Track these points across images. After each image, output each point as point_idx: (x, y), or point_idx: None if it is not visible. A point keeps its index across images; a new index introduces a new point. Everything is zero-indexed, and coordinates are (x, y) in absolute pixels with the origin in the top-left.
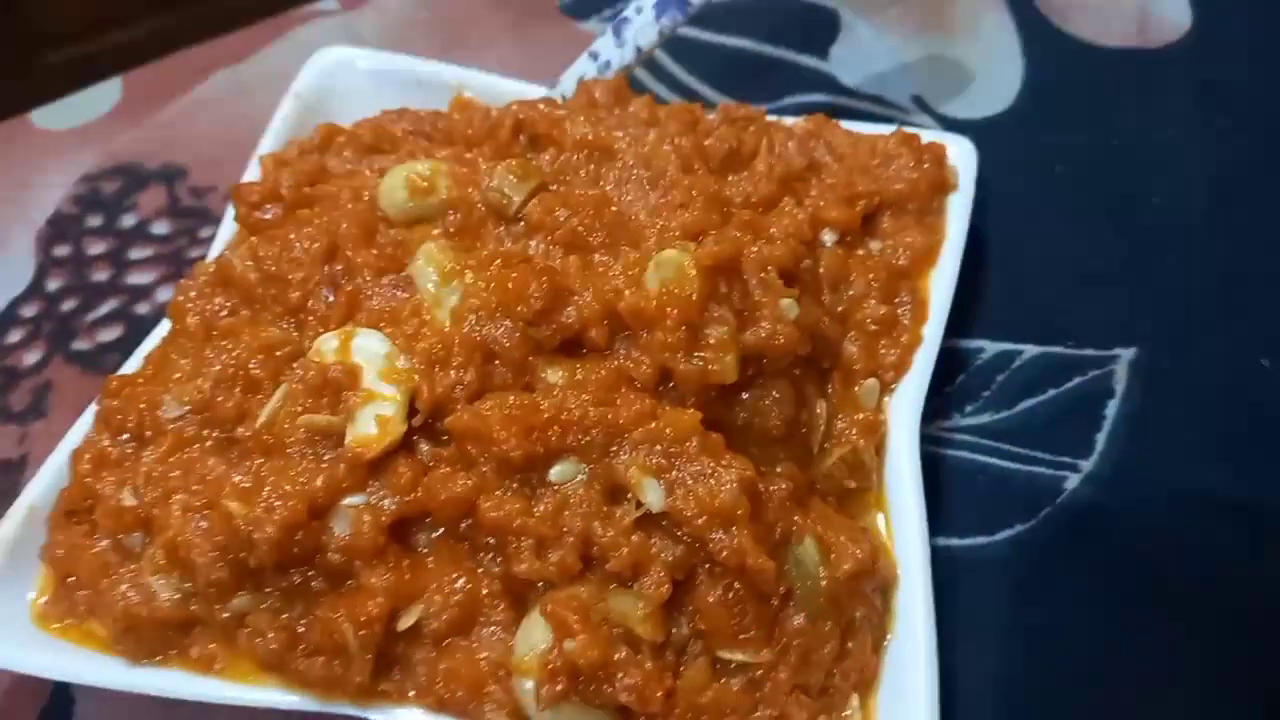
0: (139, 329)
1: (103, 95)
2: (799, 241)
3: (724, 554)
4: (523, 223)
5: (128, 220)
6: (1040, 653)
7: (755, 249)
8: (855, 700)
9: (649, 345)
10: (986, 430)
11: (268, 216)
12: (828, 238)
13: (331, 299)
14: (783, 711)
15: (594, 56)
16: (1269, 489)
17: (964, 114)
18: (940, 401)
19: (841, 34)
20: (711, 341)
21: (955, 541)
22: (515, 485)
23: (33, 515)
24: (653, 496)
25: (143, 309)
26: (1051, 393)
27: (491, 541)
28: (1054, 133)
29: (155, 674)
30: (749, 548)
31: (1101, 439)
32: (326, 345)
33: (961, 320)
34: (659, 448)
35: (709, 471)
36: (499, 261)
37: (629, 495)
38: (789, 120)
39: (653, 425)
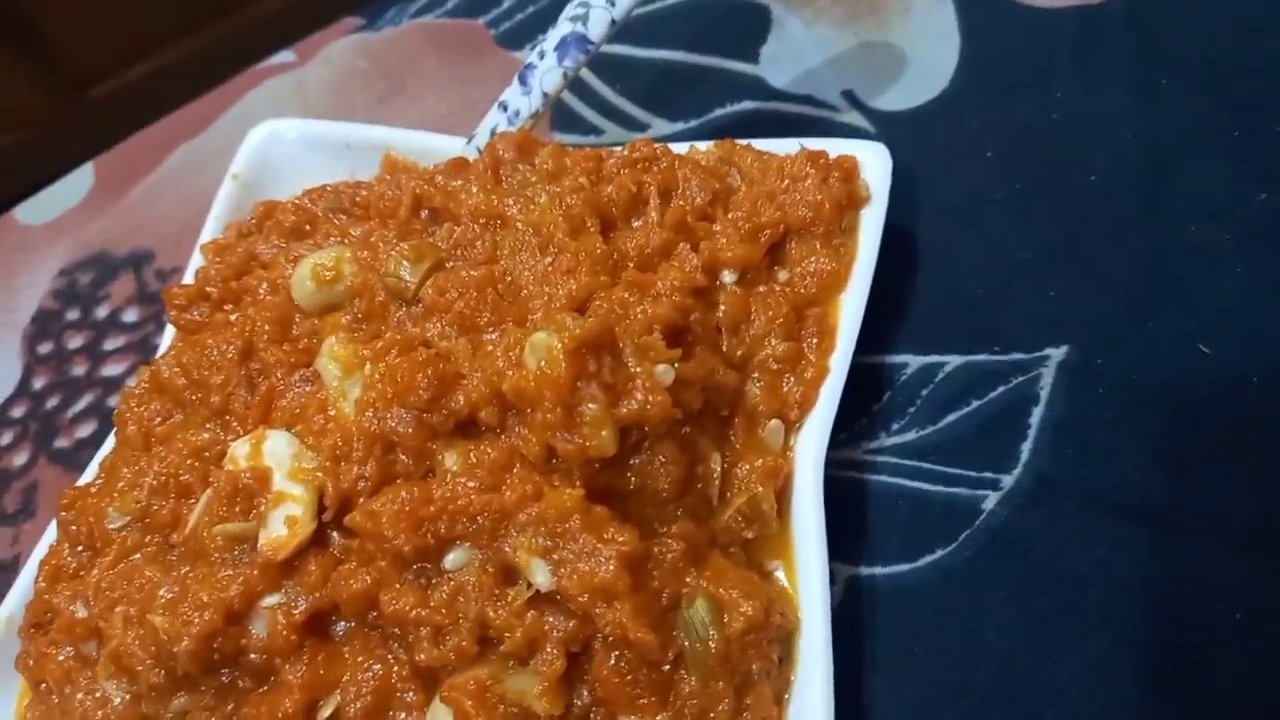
0: (110, 424)
1: (77, 183)
2: (687, 295)
3: (608, 628)
4: (421, 304)
5: (101, 311)
6: (961, 680)
7: (640, 309)
8: None
9: (533, 424)
10: (911, 449)
11: (196, 317)
12: (728, 277)
13: (248, 398)
14: None
15: (504, 107)
16: (1203, 491)
17: (896, 105)
18: (866, 422)
19: (772, 32)
20: (587, 418)
21: (879, 570)
22: (412, 576)
23: (10, 625)
24: (540, 577)
25: (113, 402)
26: (975, 404)
27: (396, 632)
28: (989, 113)
29: None
30: (629, 622)
31: (1026, 450)
32: (239, 451)
33: (885, 335)
34: (544, 528)
35: (590, 549)
36: (395, 351)
37: (521, 577)
38: (702, 146)
39: (536, 507)
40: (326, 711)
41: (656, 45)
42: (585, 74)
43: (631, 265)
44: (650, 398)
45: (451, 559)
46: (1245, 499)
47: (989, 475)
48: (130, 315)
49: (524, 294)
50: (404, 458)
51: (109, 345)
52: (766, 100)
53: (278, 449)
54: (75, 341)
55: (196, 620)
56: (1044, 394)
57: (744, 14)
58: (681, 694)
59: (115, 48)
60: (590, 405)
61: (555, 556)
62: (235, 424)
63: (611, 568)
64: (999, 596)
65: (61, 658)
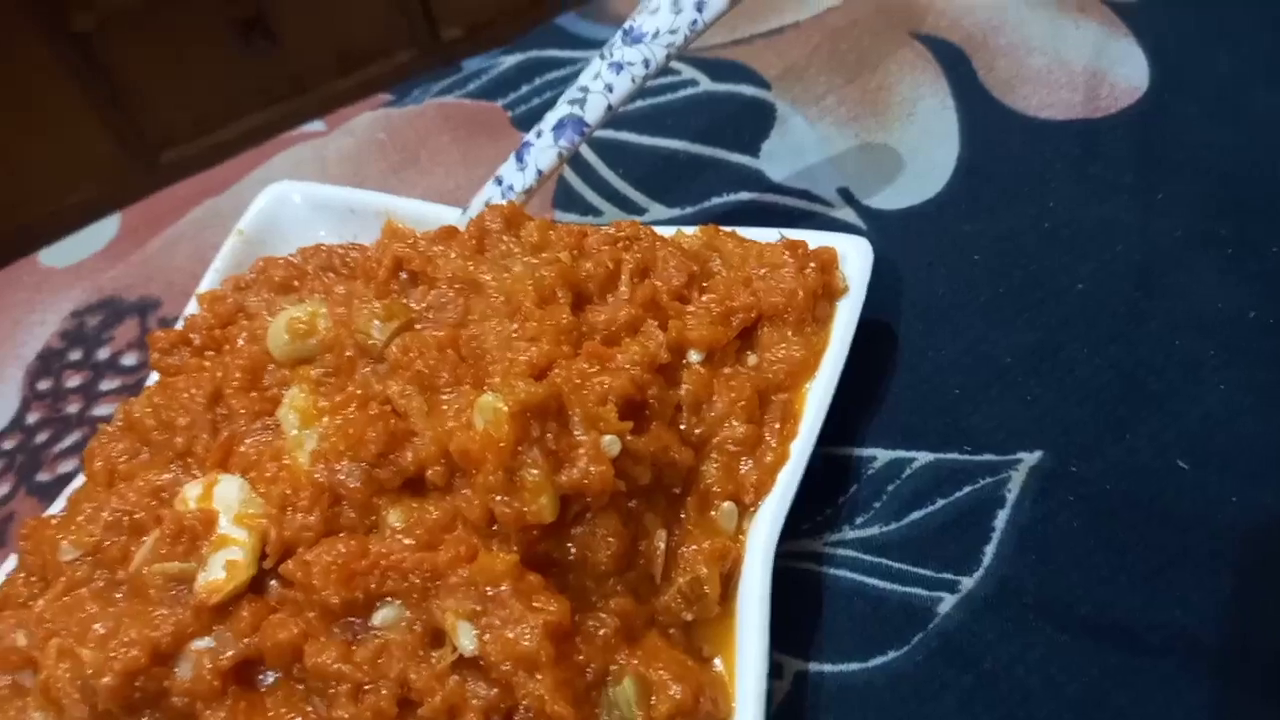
0: None
1: (102, 231)
2: (647, 370)
3: (526, 700)
4: (386, 362)
5: (103, 353)
6: None
7: (598, 381)
8: None
9: (475, 486)
10: (873, 545)
11: (176, 361)
12: (694, 357)
13: (210, 443)
14: None
15: (499, 181)
16: (1170, 608)
17: (889, 205)
18: (831, 513)
19: (775, 128)
20: (527, 484)
21: (828, 668)
22: (339, 630)
23: None
24: (466, 641)
25: None
26: (940, 503)
27: (319, 685)
28: (978, 219)
29: None
30: (548, 695)
31: (989, 553)
32: (190, 493)
33: (858, 426)
34: (474, 591)
35: (517, 616)
36: (353, 405)
37: (448, 639)
38: (689, 230)
39: (468, 569)
40: None
41: (662, 134)
42: (589, 155)
43: (597, 339)
44: (592, 467)
45: (380, 616)
46: (1217, 619)
47: (948, 576)
48: (129, 359)
49: (486, 359)
50: (350, 512)
51: (105, 386)
52: (763, 192)
53: (227, 493)
54: (73, 380)
55: (121, 656)
56: (1010, 497)
57: (751, 111)
58: None
59: (197, 115)
60: (531, 470)
61: (483, 621)
62: (195, 467)
63: (535, 636)
64: (947, 705)
65: (1, 684)
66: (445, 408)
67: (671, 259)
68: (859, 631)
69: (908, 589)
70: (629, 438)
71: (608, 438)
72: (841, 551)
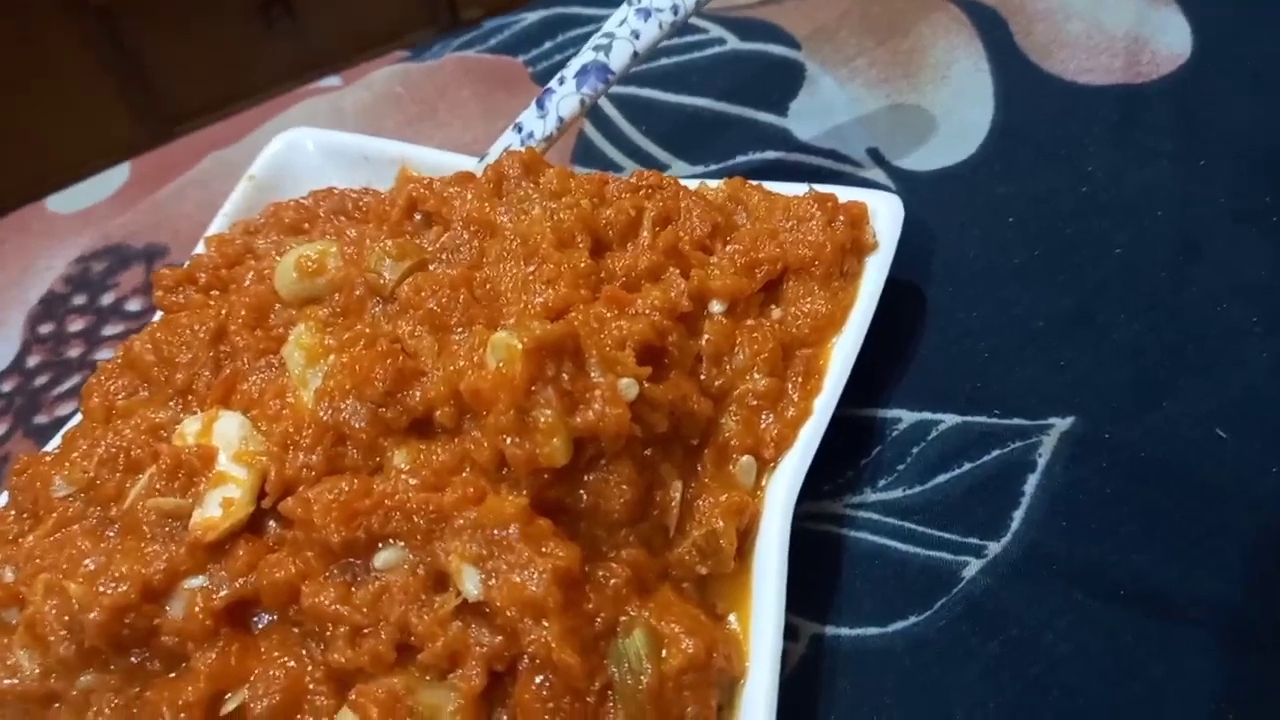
0: None
1: (110, 179)
2: (667, 316)
3: (532, 646)
4: (396, 302)
5: (107, 299)
6: None
7: (616, 325)
8: None
9: (485, 427)
10: (895, 507)
11: (181, 299)
12: (716, 307)
13: (212, 381)
14: None
15: (518, 128)
16: (1206, 579)
17: (920, 165)
18: (852, 475)
19: (803, 88)
20: (539, 425)
21: (845, 631)
22: (338, 572)
23: None
24: (470, 585)
25: None
26: (967, 466)
27: (316, 629)
28: (1013, 182)
29: None
30: (555, 642)
31: (1017, 518)
32: (189, 429)
33: (883, 387)
34: (480, 534)
35: (525, 561)
36: (361, 344)
37: (452, 584)
38: (712, 183)
39: (475, 511)
40: (230, 706)
41: (686, 92)
42: (610, 111)
43: (617, 284)
44: (608, 409)
45: (382, 558)
46: (1258, 592)
47: (974, 541)
48: (133, 304)
49: (500, 301)
50: (353, 452)
51: (107, 331)
52: (790, 151)
53: (228, 430)
54: (76, 325)
55: (110, 591)
56: (1042, 461)
57: (779, 70)
58: None
59: (215, 92)
60: (544, 411)
61: (489, 565)
62: (196, 405)
63: (543, 582)
64: (971, 673)
65: None
66: (456, 347)
67: (695, 208)
68: (879, 595)
69: (931, 553)
70: (647, 385)
71: (625, 380)
72: (862, 514)
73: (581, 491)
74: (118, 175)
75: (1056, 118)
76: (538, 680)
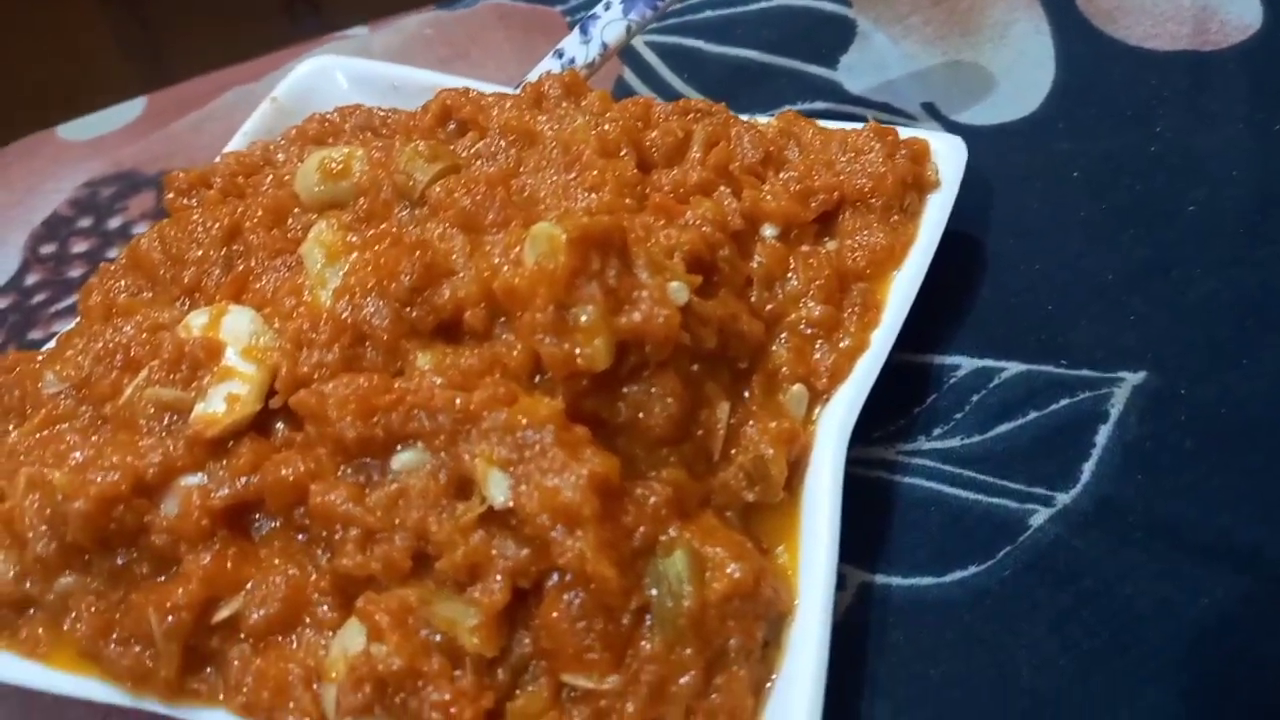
0: None
1: (126, 110)
2: (718, 229)
3: (564, 557)
4: (426, 206)
5: (114, 222)
6: (981, 712)
7: (665, 234)
8: None
9: (521, 327)
10: (953, 456)
11: (194, 203)
12: (768, 232)
13: (222, 279)
14: None
15: (559, 54)
16: None
17: (977, 121)
18: (906, 422)
19: (854, 43)
20: (581, 323)
21: (896, 580)
22: (352, 473)
23: None
24: (496, 491)
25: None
26: (1033, 415)
27: (324, 534)
28: (1077, 139)
29: None
30: (590, 553)
31: (1088, 470)
32: (195, 321)
33: (939, 334)
34: (511, 438)
35: (559, 466)
36: (386, 242)
37: (476, 491)
38: (763, 119)
39: (506, 412)
40: (224, 613)
41: (731, 43)
42: (652, 60)
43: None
44: (657, 310)
45: (400, 459)
46: None
47: (1041, 491)
48: (141, 228)
49: (539, 208)
50: (373, 352)
51: (112, 254)
52: (840, 102)
53: (237, 325)
54: (80, 246)
55: (99, 480)
56: (1114, 413)
57: (828, 25)
58: (640, 656)
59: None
60: (587, 308)
61: (518, 470)
62: (204, 304)
63: (578, 488)
64: (1039, 627)
65: None
66: (490, 248)
67: (746, 135)
68: (934, 543)
69: (994, 500)
70: (695, 298)
71: (675, 284)
72: (916, 461)
73: (620, 404)
74: (133, 108)
75: (1122, 80)
76: (567, 598)
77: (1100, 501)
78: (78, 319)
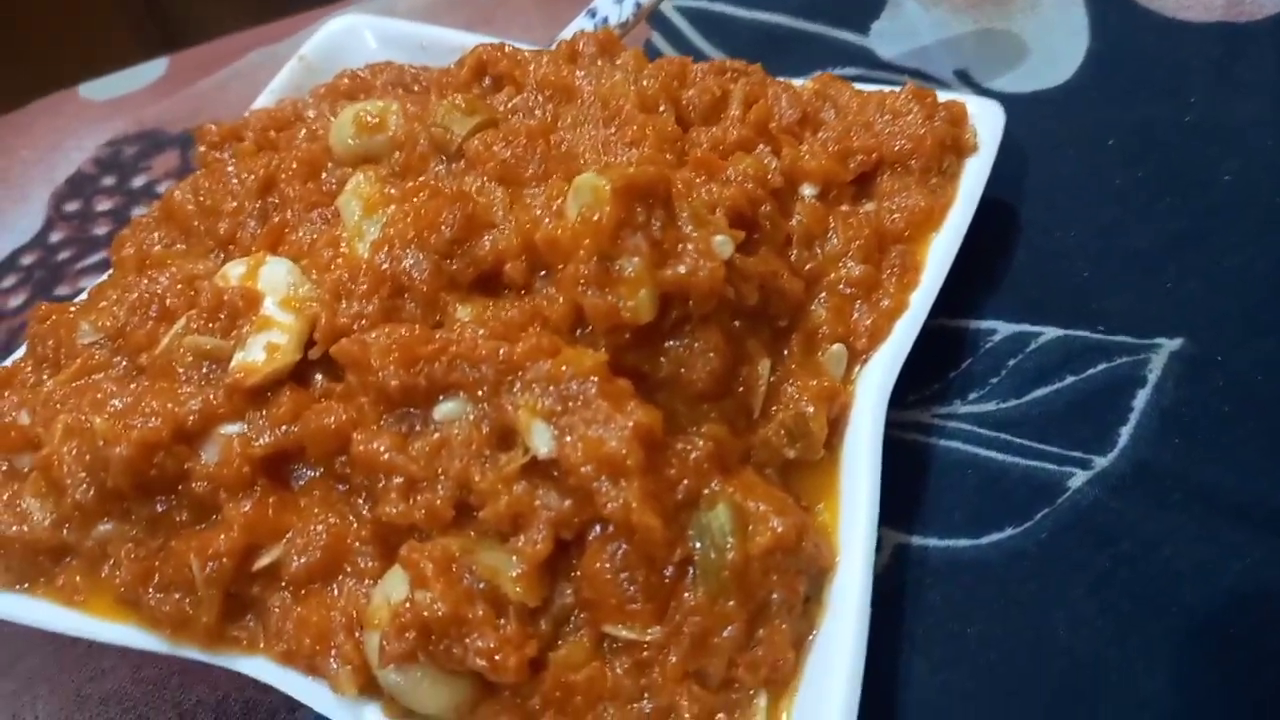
0: None
1: (148, 70)
2: (760, 185)
3: (609, 508)
4: (464, 159)
5: (139, 181)
6: (1020, 673)
7: (707, 189)
8: (763, 700)
9: (563, 279)
10: (989, 420)
11: (226, 156)
12: (807, 191)
13: (257, 230)
14: (671, 702)
15: (592, 14)
16: None
17: (1010, 88)
18: (941, 387)
19: (886, 10)
20: (625, 275)
21: (933, 541)
22: (394, 422)
23: None
24: (540, 441)
25: None
26: (1070, 379)
27: (365, 483)
28: (1111, 108)
29: (18, 601)
30: (636, 501)
31: (1126, 433)
32: (233, 271)
33: (975, 299)
34: (554, 388)
35: (604, 417)
36: (425, 194)
37: (519, 441)
38: (796, 81)
39: (550, 363)
40: (265, 560)
41: (760, 8)
42: (681, 24)
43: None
44: (702, 263)
45: (442, 409)
46: None
47: (1078, 454)
48: (165, 187)
49: (578, 163)
50: (411, 305)
51: (137, 212)
52: (872, 68)
53: (275, 275)
54: (104, 204)
55: (140, 426)
56: (1152, 378)
57: None
58: (683, 608)
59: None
60: (631, 259)
61: (562, 421)
62: (239, 255)
63: (623, 438)
64: (1076, 588)
65: None
66: (530, 200)
67: (783, 95)
68: (970, 505)
69: (1031, 463)
70: (737, 255)
71: (719, 238)
72: (952, 424)
73: (662, 359)
74: (154, 68)
75: (1155, 50)
76: (610, 549)
77: (1138, 465)
78: (109, 272)
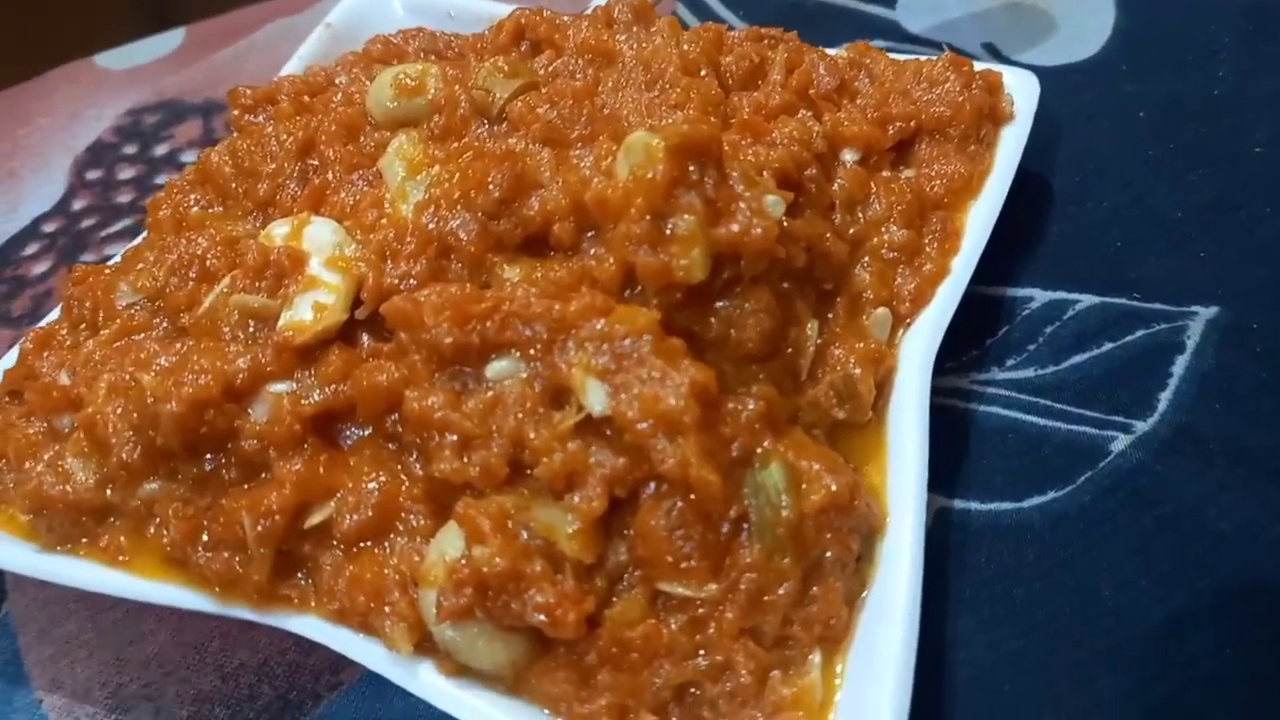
0: None
1: (165, 41)
2: (805, 148)
3: (666, 464)
4: (506, 122)
5: (161, 149)
6: (1067, 631)
7: (753, 151)
8: (817, 657)
9: (613, 241)
10: (1027, 386)
11: (259, 120)
12: (848, 157)
13: (298, 192)
14: (727, 659)
15: None
16: None
17: (1040, 61)
18: (979, 353)
19: None
20: (677, 234)
21: (975, 505)
22: (447, 380)
23: None
24: (595, 399)
25: None
26: (1109, 346)
27: (417, 441)
28: (1141, 82)
29: (61, 562)
30: (694, 457)
31: (1165, 398)
32: (277, 230)
33: (1011, 267)
34: (608, 347)
35: (659, 375)
36: (470, 154)
37: (572, 400)
38: (832, 50)
39: (603, 321)
40: (316, 518)
41: None
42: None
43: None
44: (755, 222)
45: (495, 368)
46: None
47: (1119, 419)
48: (189, 156)
49: (623, 127)
50: (458, 265)
51: (159, 180)
52: (900, 41)
53: (320, 234)
54: (127, 173)
55: (190, 383)
56: (1190, 344)
57: None
58: (738, 565)
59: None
60: (685, 218)
61: (617, 379)
62: (279, 217)
63: (680, 395)
64: (1121, 549)
65: (31, 431)
66: (576, 161)
67: (821, 63)
68: (1011, 470)
69: (1072, 427)
70: (784, 217)
71: (771, 197)
72: (991, 390)
73: (712, 319)
74: (172, 38)
75: (1183, 25)
76: (665, 507)
77: (1179, 429)
78: (140, 236)
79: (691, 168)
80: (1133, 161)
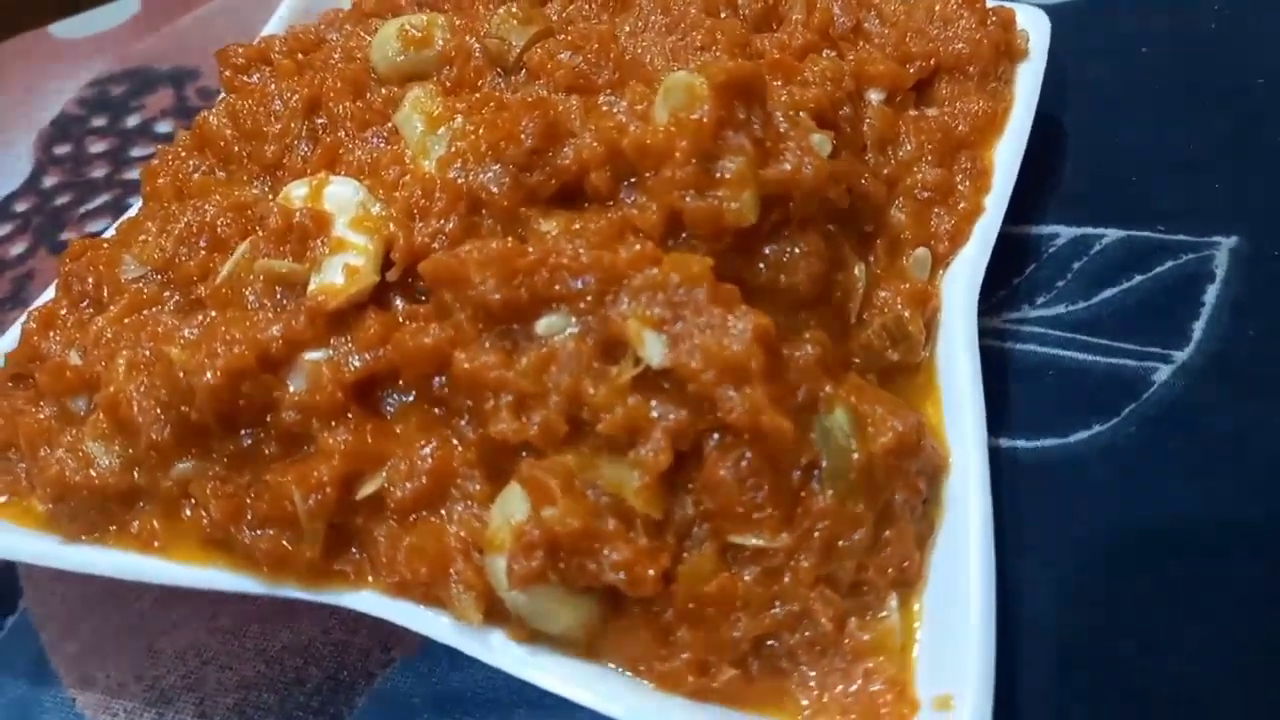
0: None
1: (121, 8)
2: (838, 86)
3: (734, 414)
4: (524, 71)
5: (132, 120)
6: (1124, 566)
7: (785, 93)
8: (894, 600)
9: (655, 187)
10: (1061, 322)
11: (254, 80)
12: (874, 96)
13: (309, 153)
14: (804, 607)
15: None
16: None
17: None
18: (1007, 293)
19: None
20: (727, 176)
21: (1021, 444)
22: (495, 338)
23: None
24: (654, 351)
25: (135, 201)
26: (1138, 279)
27: (468, 404)
28: (1138, 19)
29: (89, 552)
30: (763, 405)
31: (1199, 327)
32: (296, 192)
33: (1033, 204)
34: (662, 296)
35: (719, 322)
36: (493, 104)
37: (627, 352)
38: None
39: (656, 271)
40: (368, 490)
41: None
42: None
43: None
44: (806, 160)
45: (545, 323)
46: None
47: (1157, 350)
48: (164, 126)
49: (649, 69)
50: (490, 221)
51: (135, 152)
52: None
53: (342, 194)
54: (98, 146)
55: (224, 353)
56: (1220, 273)
57: None
58: (811, 511)
59: None
60: (735, 159)
61: (674, 329)
62: (289, 179)
63: (744, 341)
64: (1173, 477)
65: (41, 416)
66: (608, 108)
67: (836, 2)
68: (1053, 405)
69: (1112, 360)
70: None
71: (818, 136)
72: (1025, 328)
73: (760, 265)
74: (128, 6)
75: None
76: (733, 457)
77: (1215, 357)
78: (138, 205)
79: (738, 106)
80: (1140, 97)
